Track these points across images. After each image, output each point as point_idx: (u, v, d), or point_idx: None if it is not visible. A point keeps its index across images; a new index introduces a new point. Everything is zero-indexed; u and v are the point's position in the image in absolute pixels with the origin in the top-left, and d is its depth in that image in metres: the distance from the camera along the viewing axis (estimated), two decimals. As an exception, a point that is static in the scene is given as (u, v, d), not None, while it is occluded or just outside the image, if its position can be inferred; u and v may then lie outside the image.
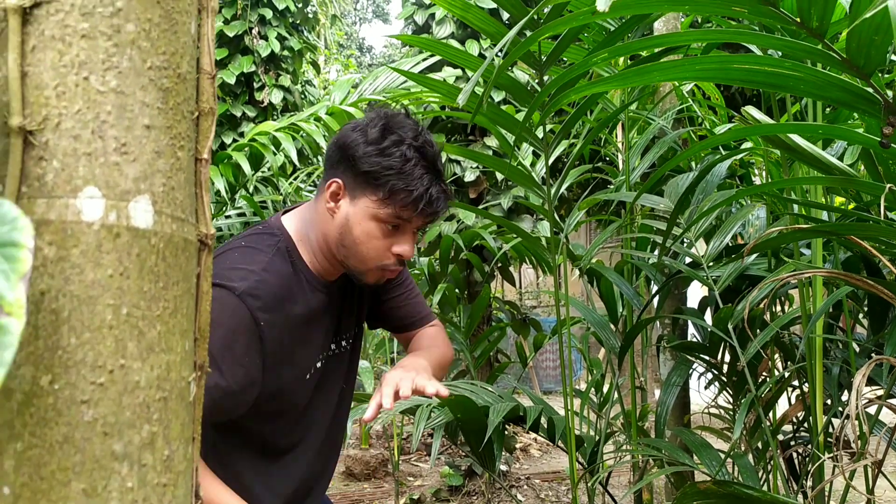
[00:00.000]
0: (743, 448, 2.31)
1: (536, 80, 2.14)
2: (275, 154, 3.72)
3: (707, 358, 2.26)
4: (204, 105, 0.56)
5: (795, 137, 1.45)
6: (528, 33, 1.64)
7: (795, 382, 2.37)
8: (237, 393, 1.21)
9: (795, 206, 2.08)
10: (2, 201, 0.44)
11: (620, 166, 3.08)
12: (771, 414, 2.42)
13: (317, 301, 1.36)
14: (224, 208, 4.01)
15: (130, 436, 0.48)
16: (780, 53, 1.55)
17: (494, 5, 3.78)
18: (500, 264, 4.52)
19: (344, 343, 1.49)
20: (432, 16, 4.68)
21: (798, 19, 1.01)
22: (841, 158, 1.90)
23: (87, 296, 0.47)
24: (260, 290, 1.23)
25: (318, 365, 1.40)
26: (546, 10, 1.74)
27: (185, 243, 0.53)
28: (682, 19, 2.73)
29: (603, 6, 0.70)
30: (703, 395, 2.79)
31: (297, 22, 6.87)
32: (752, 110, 1.42)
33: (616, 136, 3.43)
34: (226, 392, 1.19)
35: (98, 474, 0.46)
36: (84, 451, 0.46)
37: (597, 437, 2.54)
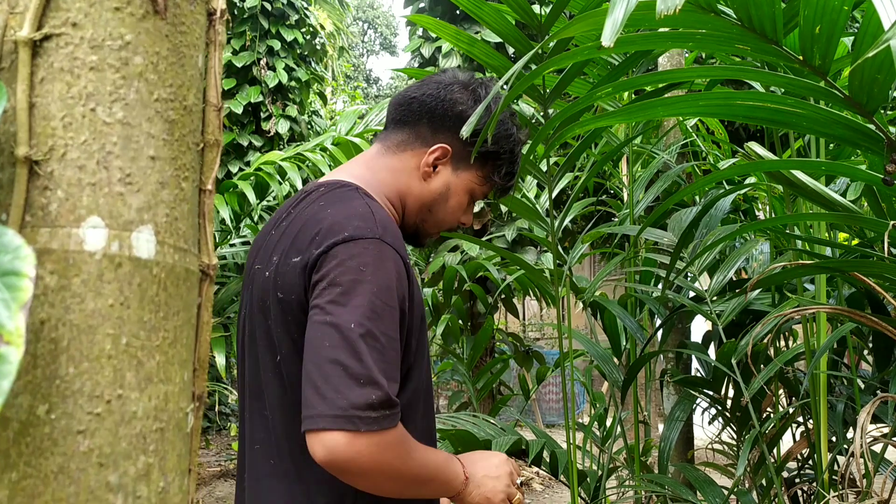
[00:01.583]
0: (747, 485, 2.29)
1: (541, 114, 2.15)
2: (280, 183, 3.74)
3: (710, 393, 2.25)
4: (209, 137, 0.56)
5: (798, 173, 1.45)
6: (534, 67, 1.66)
7: (800, 419, 2.35)
8: (414, 330, 1.15)
9: (798, 242, 2.09)
10: (4, 230, 0.44)
11: (625, 199, 3.09)
12: (775, 450, 2.40)
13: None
14: (229, 237, 4.03)
15: (126, 467, 0.47)
16: (783, 90, 1.56)
17: (500, 40, 3.83)
18: (503, 296, 4.51)
19: None
20: (439, 49, 4.73)
21: (801, 57, 1.02)
22: (844, 194, 1.91)
23: (86, 325, 0.47)
24: (390, 231, 1.12)
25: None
26: (551, 45, 1.76)
27: (186, 273, 0.53)
28: (687, 55, 2.75)
29: (608, 42, 0.71)
30: (706, 430, 2.77)
31: (305, 53, 6.95)
32: (755, 146, 1.43)
33: (621, 170, 3.45)
34: (408, 329, 1.12)
35: (93, 506, 0.46)
36: (79, 482, 0.46)
37: (599, 472, 2.52)
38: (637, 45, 1.13)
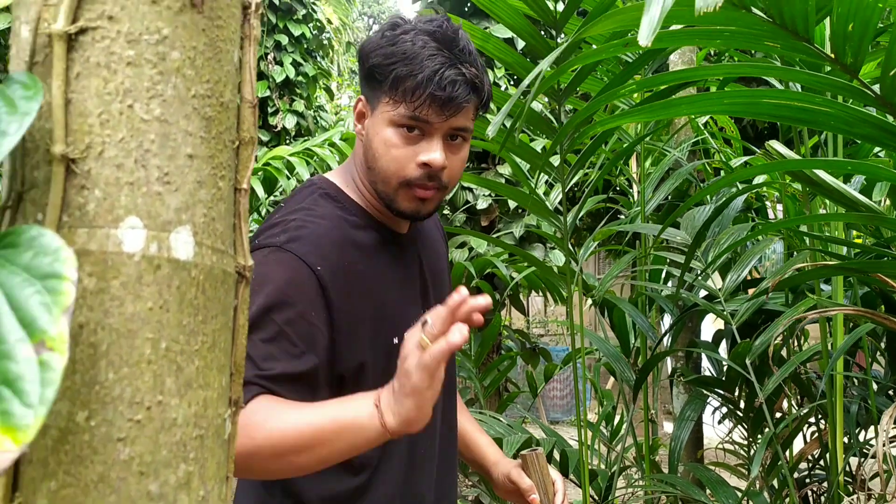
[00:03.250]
0: (758, 485, 2.27)
1: (549, 110, 2.13)
2: (288, 178, 3.72)
3: (723, 393, 2.23)
4: (244, 134, 0.55)
5: (819, 172, 1.43)
6: (551, 64, 1.64)
7: (811, 420, 2.34)
8: (306, 355, 1.02)
9: (811, 240, 2.06)
10: (43, 231, 0.43)
11: (635, 196, 3.07)
12: (787, 451, 2.39)
13: (384, 248, 1.18)
14: (235, 232, 4.00)
15: (166, 475, 0.46)
16: (803, 87, 1.55)
17: (510, 34, 3.80)
18: (510, 293, 4.49)
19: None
20: (447, 44, 4.71)
21: (832, 55, 1.00)
22: (862, 191, 1.89)
23: (126, 329, 0.46)
24: (305, 234, 1.06)
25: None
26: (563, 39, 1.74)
27: (224, 275, 0.51)
28: (698, 51, 2.73)
29: (645, 41, 0.69)
30: (717, 430, 2.75)
31: (312, 48, 6.93)
32: (776, 145, 1.41)
33: (630, 167, 3.43)
34: (294, 356, 1.00)
35: (132, 515, 0.45)
36: (119, 492, 0.44)
37: (610, 471, 2.50)
38: (664, 43, 1.12)
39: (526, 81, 1.06)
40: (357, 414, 0.93)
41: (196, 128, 0.50)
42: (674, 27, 1.05)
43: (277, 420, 0.94)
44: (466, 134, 1.15)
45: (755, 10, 0.94)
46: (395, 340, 1.12)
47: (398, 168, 1.11)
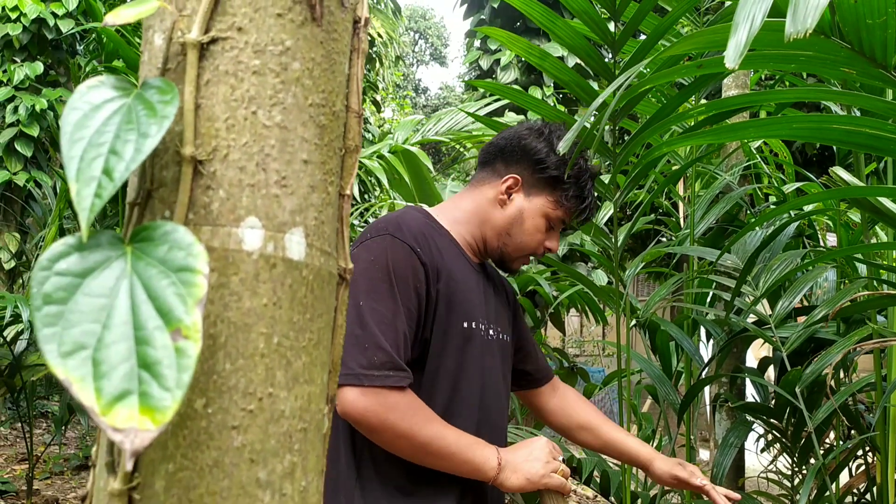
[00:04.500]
0: (804, 516, 2.23)
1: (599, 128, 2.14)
2: (336, 188, 3.78)
3: (772, 421, 2.20)
4: (350, 142, 0.57)
5: (884, 200, 1.42)
6: (605, 83, 1.66)
7: (859, 452, 2.29)
8: (413, 318, 1.26)
9: (865, 268, 2.04)
10: (177, 227, 0.45)
11: (682, 219, 3.06)
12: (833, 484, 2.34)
13: (462, 258, 1.42)
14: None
15: (274, 464, 0.48)
16: (859, 113, 1.54)
17: (561, 53, 3.83)
18: (551, 311, 4.48)
19: (502, 334, 1.50)
20: (497, 61, 4.74)
21: (909, 84, 1.00)
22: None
23: (242, 323, 0.48)
24: (404, 227, 1.31)
25: (477, 326, 1.39)
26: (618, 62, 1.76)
27: (329, 276, 0.54)
28: (752, 74, 2.72)
29: (732, 63, 0.70)
30: (759, 457, 2.72)
31: (360, 61, 7.01)
32: (840, 171, 1.40)
33: (678, 188, 3.41)
34: (407, 318, 1.23)
35: (243, 501, 0.47)
36: (231, 477, 0.47)
37: (650, 494, 2.48)
38: (743, 65, 1.12)
39: (595, 105, 1.07)
40: (483, 463, 1.25)
41: (311, 135, 0.52)
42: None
43: (434, 427, 1.22)
44: None
45: (833, 37, 0.95)
46: (465, 325, 1.35)
47: (535, 247, 1.46)
